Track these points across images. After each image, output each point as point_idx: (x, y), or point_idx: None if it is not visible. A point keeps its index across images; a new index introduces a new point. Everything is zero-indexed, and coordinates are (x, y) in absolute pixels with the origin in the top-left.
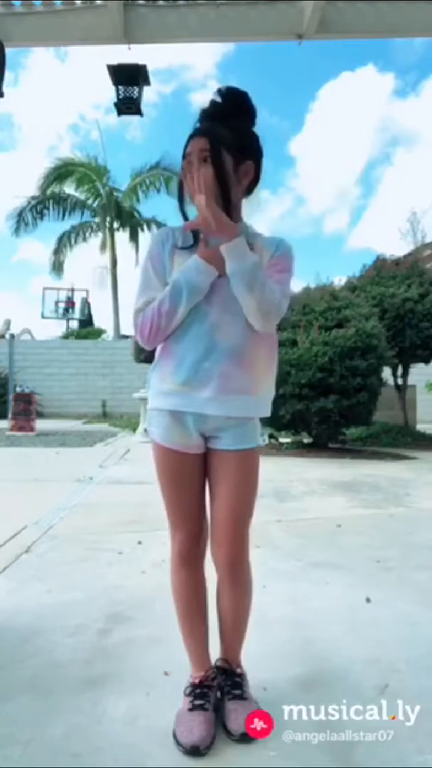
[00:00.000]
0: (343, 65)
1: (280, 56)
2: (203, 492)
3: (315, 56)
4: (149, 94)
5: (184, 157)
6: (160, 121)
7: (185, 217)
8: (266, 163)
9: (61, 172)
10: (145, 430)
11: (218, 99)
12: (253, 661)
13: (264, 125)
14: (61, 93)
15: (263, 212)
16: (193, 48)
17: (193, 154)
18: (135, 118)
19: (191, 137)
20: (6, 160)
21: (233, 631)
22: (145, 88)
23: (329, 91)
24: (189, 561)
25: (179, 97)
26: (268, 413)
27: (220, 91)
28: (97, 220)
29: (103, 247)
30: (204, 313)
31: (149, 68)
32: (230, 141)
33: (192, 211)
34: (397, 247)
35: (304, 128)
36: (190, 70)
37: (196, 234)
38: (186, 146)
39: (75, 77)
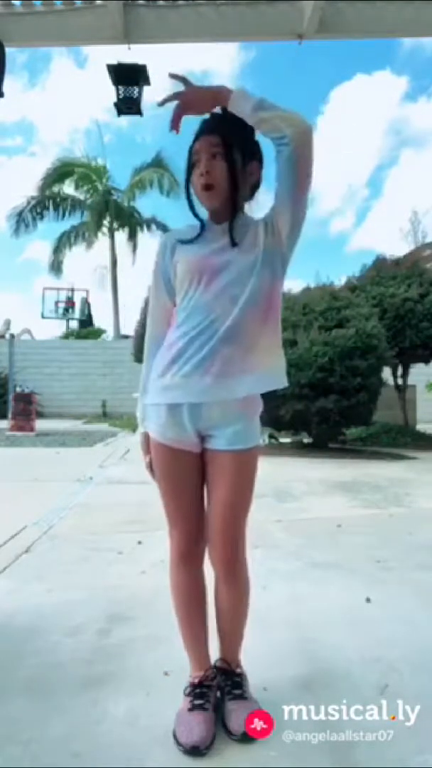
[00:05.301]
0: (359, 67)
1: (295, 58)
2: (201, 492)
3: (326, 58)
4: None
5: (190, 156)
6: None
7: (196, 216)
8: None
9: (61, 172)
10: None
11: (219, 111)
12: (253, 661)
13: None
14: (79, 97)
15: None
16: (213, 54)
17: (202, 151)
18: (148, 121)
19: (198, 137)
20: (21, 162)
21: (231, 631)
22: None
23: (341, 94)
24: (187, 560)
25: None
26: (282, 384)
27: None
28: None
29: (92, 246)
30: (200, 303)
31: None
32: (240, 140)
33: (204, 213)
34: (399, 248)
35: (314, 130)
36: (211, 76)
37: (201, 225)
38: (192, 146)
39: (91, 82)
